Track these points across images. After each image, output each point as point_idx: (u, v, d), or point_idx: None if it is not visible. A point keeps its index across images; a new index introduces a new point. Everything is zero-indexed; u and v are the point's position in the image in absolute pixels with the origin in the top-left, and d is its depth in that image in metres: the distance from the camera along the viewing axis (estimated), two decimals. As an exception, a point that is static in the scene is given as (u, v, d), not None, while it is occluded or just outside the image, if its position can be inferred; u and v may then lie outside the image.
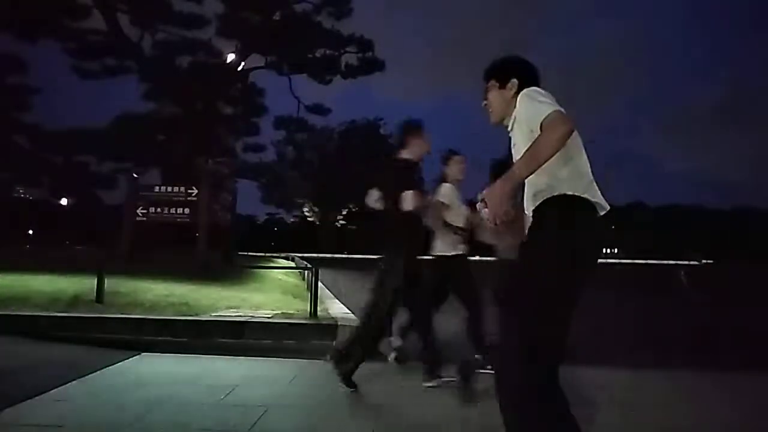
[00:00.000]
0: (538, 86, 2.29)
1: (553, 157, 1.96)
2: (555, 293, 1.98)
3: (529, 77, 2.32)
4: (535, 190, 2.14)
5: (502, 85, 2.33)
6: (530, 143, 2.02)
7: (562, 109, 2.01)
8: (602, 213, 2.11)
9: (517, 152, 2.19)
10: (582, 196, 2.04)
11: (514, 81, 2.31)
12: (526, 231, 2.13)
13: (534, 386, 1.93)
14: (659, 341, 6.24)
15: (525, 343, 1.96)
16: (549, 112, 1.98)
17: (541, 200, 2.06)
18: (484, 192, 1.95)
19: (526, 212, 2.22)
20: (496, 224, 1.92)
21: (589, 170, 2.13)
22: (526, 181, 2.15)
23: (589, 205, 2.06)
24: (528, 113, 2.09)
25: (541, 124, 1.98)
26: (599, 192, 2.10)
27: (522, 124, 2.14)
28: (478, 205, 1.99)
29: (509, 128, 2.29)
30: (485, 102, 2.40)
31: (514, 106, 2.24)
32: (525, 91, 2.18)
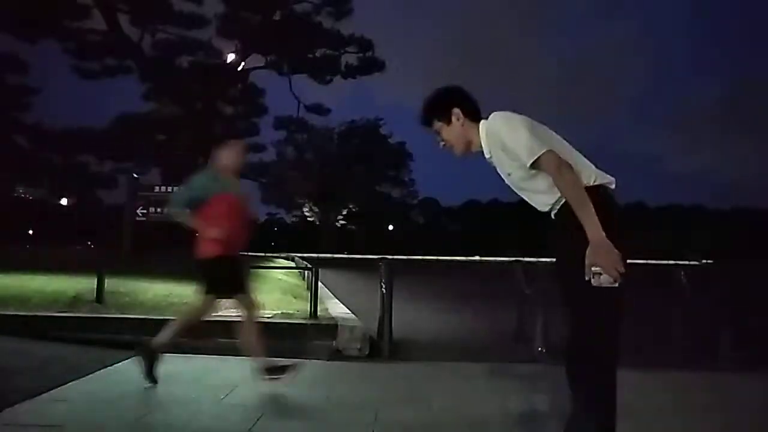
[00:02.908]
0: (475, 103, 2.38)
1: (551, 170, 2.10)
2: (617, 289, 2.05)
3: (465, 100, 2.39)
4: (549, 202, 2.22)
5: (449, 120, 2.37)
6: (530, 176, 2.18)
7: (542, 142, 2.11)
8: (613, 186, 2.22)
9: (517, 180, 2.27)
10: (596, 184, 2.15)
11: (456, 110, 2.36)
12: (560, 232, 2.17)
13: (612, 382, 2.06)
14: (659, 341, 6.24)
15: (610, 340, 2.08)
16: (541, 153, 2.09)
17: (561, 203, 2.15)
18: (590, 260, 1.98)
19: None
20: (620, 275, 1.97)
21: (582, 158, 2.22)
22: (540, 205, 2.28)
23: (607, 191, 2.17)
24: (514, 143, 2.16)
25: (535, 163, 2.10)
26: (595, 173, 2.19)
27: (509, 152, 2.20)
28: (593, 280, 1.99)
29: (487, 155, 2.34)
30: (442, 143, 2.43)
31: (474, 131, 2.32)
32: (497, 120, 2.23)
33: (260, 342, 3.84)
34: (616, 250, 1.96)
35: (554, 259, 2.26)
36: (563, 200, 2.13)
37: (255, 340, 3.83)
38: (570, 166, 2.09)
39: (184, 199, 3.86)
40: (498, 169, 2.34)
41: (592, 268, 1.98)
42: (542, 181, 2.17)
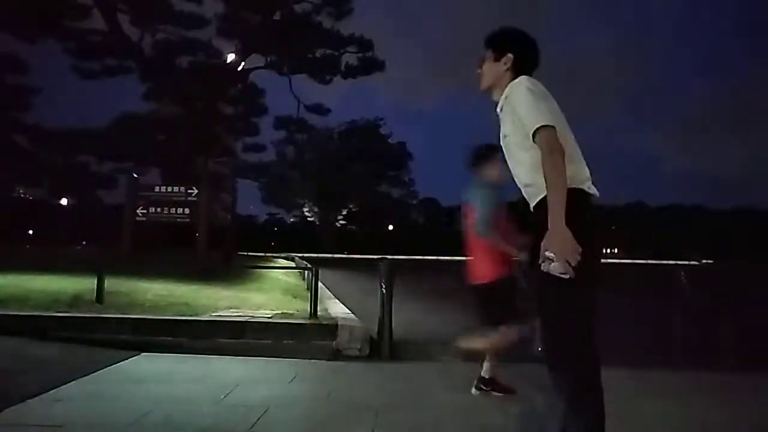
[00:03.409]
0: (537, 63, 2.37)
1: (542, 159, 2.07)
2: (591, 288, 2.06)
3: (526, 54, 2.37)
4: (533, 189, 2.21)
5: (498, 58, 2.36)
6: (524, 147, 2.16)
7: (553, 119, 2.09)
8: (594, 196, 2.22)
9: (510, 144, 2.27)
10: (579, 188, 2.13)
11: (510, 56, 2.34)
12: (540, 229, 2.13)
13: (591, 385, 2.05)
14: (659, 341, 6.24)
15: (579, 343, 2.06)
16: (545, 124, 2.06)
17: (543, 194, 2.12)
18: (545, 244, 1.97)
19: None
20: (573, 267, 1.94)
21: (580, 157, 2.21)
22: (518, 178, 2.28)
23: (587, 196, 2.16)
24: (524, 113, 2.14)
25: (534, 135, 2.08)
26: (590, 179, 2.20)
27: (515, 118, 2.19)
28: (543, 265, 1.98)
29: (498, 108, 2.34)
30: (479, 71, 2.43)
31: (507, 82, 2.30)
32: (524, 83, 2.21)
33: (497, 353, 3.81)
34: (574, 242, 1.93)
35: (531, 257, 2.24)
36: (542, 193, 2.11)
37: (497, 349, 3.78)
38: (563, 154, 2.06)
39: (488, 217, 3.66)
40: (500, 129, 2.33)
41: (546, 252, 1.97)
42: (533, 158, 2.13)
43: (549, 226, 1.97)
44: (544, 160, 2.06)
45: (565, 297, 2.02)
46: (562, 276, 1.94)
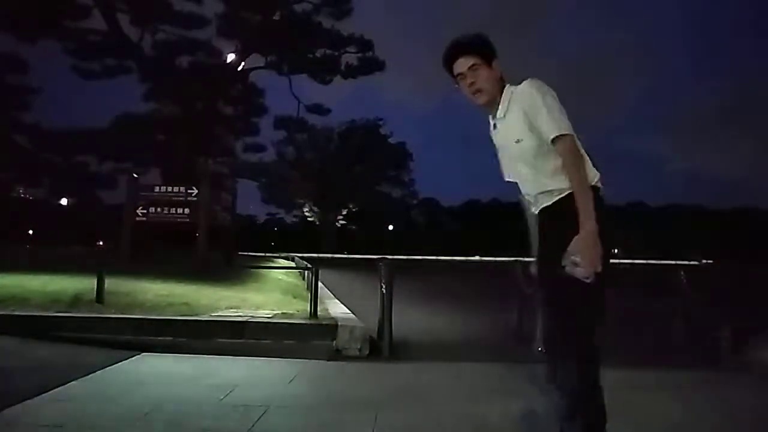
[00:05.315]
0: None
1: (552, 160, 2.12)
2: (603, 286, 2.07)
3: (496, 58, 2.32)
4: (545, 188, 2.21)
5: (489, 64, 2.27)
6: (539, 153, 2.14)
7: (570, 126, 2.10)
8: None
9: (523, 148, 2.19)
10: (593, 185, 2.15)
11: (497, 61, 2.30)
12: (557, 222, 2.15)
13: (594, 382, 2.07)
14: (659, 341, 6.24)
15: (586, 342, 2.08)
16: (567, 133, 2.08)
17: (559, 196, 2.14)
18: (574, 248, 1.97)
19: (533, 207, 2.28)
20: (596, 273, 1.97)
21: (587, 156, 2.21)
22: (524, 181, 2.28)
23: (598, 191, 2.17)
24: (542, 119, 2.10)
25: (555, 140, 2.08)
26: (598, 175, 2.21)
27: (532, 119, 2.13)
28: (568, 267, 1.99)
29: (501, 114, 2.25)
30: (470, 82, 2.26)
31: (501, 87, 2.26)
32: (537, 86, 2.16)
33: None
34: (601, 248, 1.97)
35: (539, 252, 2.24)
36: (557, 196, 2.13)
37: None
38: (584, 160, 2.12)
39: None
40: (503, 135, 2.26)
41: (572, 257, 1.96)
42: (549, 163, 2.13)
43: (581, 230, 1.97)
44: (568, 168, 2.07)
45: (577, 294, 2.02)
46: (585, 280, 1.96)
